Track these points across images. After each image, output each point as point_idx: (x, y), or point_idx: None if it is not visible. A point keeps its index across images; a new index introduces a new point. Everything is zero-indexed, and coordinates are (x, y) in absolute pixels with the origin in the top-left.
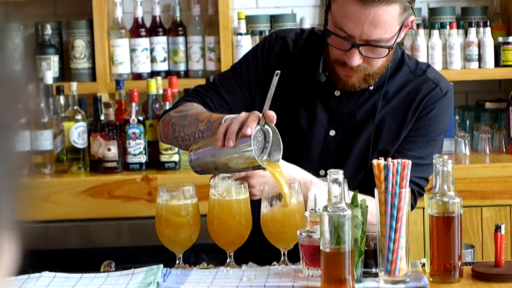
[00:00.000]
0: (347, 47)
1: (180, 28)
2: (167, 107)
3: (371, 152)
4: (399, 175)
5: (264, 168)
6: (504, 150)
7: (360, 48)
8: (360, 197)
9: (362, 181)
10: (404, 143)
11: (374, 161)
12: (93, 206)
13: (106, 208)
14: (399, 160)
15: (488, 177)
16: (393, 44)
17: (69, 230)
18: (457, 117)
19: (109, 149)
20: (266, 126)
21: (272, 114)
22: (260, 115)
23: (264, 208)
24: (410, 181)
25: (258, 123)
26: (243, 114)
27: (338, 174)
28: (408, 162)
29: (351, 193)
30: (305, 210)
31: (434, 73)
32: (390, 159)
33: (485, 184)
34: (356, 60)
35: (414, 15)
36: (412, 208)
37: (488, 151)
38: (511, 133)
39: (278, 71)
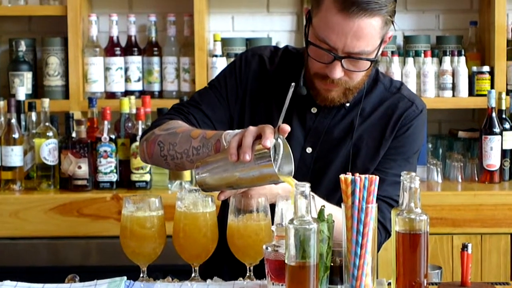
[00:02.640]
0: (329, 59)
1: (155, 48)
2: (140, 126)
3: (350, 170)
4: (366, 190)
5: (280, 182)
6: (476, 179)
7: (342, 60)
8: (330, 208)
9: (340, 199)
10: (383, 161)
11: (342, 176)
12: (61, 224)
13: (75, 226)
14: (367, 176)
15: (460, 205)
16: (375, 57)
17: (37, 248)
18: (430, 145)
19: (79, 167)
20: (278, 140)
21: (288, 128)
22: (275, 128)
23: (231, 221)
24: (392, 199)
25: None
26: (252, 127)
27: (305, 187)
28: (376, 178)
29: (330, 205)
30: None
31: (408, 91)
32: (357, 174)
33: (456, 211)
34: (338, 72)
35: (394, 29)
36: None
37: (460, 180)
38: (483, 162)
39: (293, 83)
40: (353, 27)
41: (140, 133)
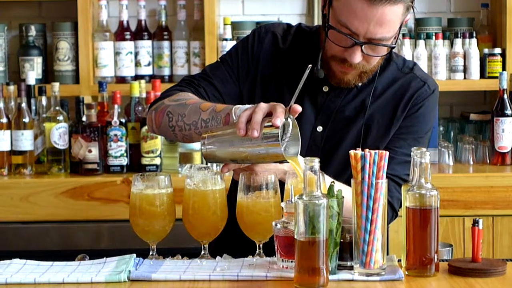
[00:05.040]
0: (349, 44)
1: (165, 33)
2: None
3: (361, 149)
4: (376, 166)
5: (285, 162)
6: (488, 161)
7: (362, 46)
8: (339, 186)
9: (349, 179)
10: (393, 140)
11: (351, 151)
12: (72, 208)
13: (85, 210)
14: (376, 151)
15: (471, 187)
16: (394, 43)
17: (48, 231)
18: (441, 128)
19: (90, 151)
20: (288, 119)
21: (299, 109)
22: (287, 108)
23: (240, 199)
24: (400, 178)
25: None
26: (264, 104)
27: (314, 162)
28: (386, 153)
29: (339, 184)
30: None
31: (420, 71)
32: (367, 149)
33: (468, 193)
34: (358, 57)
35: (413, 13)
36: (401, 205)
37: (471, 162)
38: (495, 144)
39: (310, 65)
40: (377, 14)
41: None
